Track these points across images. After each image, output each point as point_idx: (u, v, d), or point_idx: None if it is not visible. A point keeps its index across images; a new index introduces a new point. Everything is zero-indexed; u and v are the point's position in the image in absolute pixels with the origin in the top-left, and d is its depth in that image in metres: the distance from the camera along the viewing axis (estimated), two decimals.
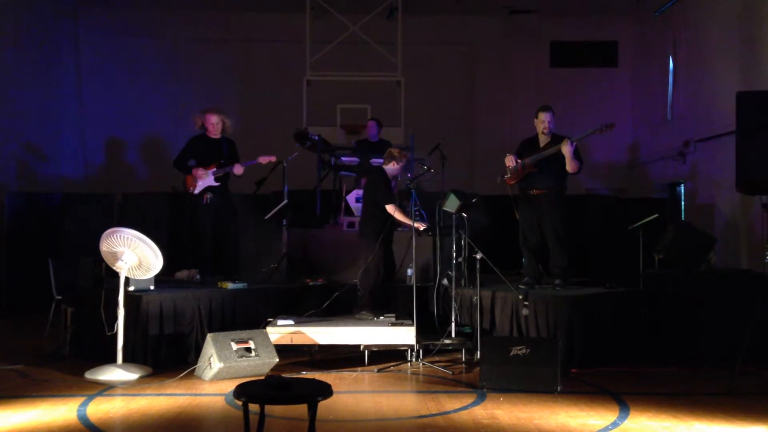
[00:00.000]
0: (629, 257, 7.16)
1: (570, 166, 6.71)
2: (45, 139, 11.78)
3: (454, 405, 4.98)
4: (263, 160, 7.58)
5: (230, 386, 4.94)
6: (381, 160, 7.37)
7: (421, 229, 6.79)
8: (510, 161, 6.96)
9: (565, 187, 6.96)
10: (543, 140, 6.93)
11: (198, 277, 7.31)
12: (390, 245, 6.90)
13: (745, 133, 5.46)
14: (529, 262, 7.06)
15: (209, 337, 5.77)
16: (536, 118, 6.95)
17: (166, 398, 5.16)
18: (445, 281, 7.00)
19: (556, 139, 6.81)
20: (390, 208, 6.68)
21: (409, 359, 6.32)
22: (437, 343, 6.35)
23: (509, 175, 6.99)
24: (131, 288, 6.14)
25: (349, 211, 8.36)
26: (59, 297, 6.76)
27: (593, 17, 12.96)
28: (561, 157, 6.70)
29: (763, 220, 5.44)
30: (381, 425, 4.58)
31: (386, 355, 6.39)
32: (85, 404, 4.95)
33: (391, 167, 6.84)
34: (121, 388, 5.46)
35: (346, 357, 6.43)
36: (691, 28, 11.01)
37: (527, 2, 12.40)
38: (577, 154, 6.73)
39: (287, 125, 9.24)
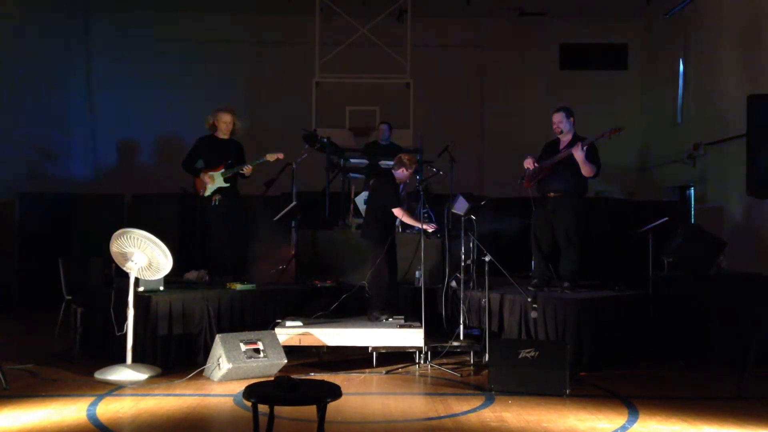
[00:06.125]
0: (638, 260, 7.13)
1: (584, 170, 6.69)
2: (56, 140, 11.85)
3: (463, 407, 4.97)
4: (270, 157, 7.56)
5: (239, 387, 4.97)
6: (390, 163, 7.37)
7: (430, 231, 6.80)
8: (528, 164, 6.96)
9: (582, 190, 6.92)
10: (562, 142, 6.94)
11: (207, 277, 7.33)
12: (393, 248, 6.89)
13: (756, 137, 5.44)
14: (538, 264, 7.05)
15: (218, 337, 5.79)
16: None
17: (175, 398, 5.17)
18: (453, 283, 6.99)
19: (576, 140, 6.79)
20: (397, 212, 6.69)
21: (417, 361, 6.32)
22: (445, 345, 6.34)
23: (527, 178, 7.00)
24: (141, 288, 6.17)
25: (357, 212, 8.37)
26: (69, 297, 6.80)
27: (603, 19, 12.92)
28: (576, 161, 6.68)
29: None
30: (389, 427, 4.58)
31: (394, 357, 6.39)
32: (94, 404, 4.98)
33: (401, 173, 6.85)
34: (131, 388, 5.48)
35: (355, 359, 6.43)
36: (701, 30, 10.97)
37: (537, 4, 12.39)
38: (592, 158, 6.69)
39: (296, 127, 9.25)
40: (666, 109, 12.27)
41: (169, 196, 10.21)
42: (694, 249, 7.10)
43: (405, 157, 6.93)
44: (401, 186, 7.10)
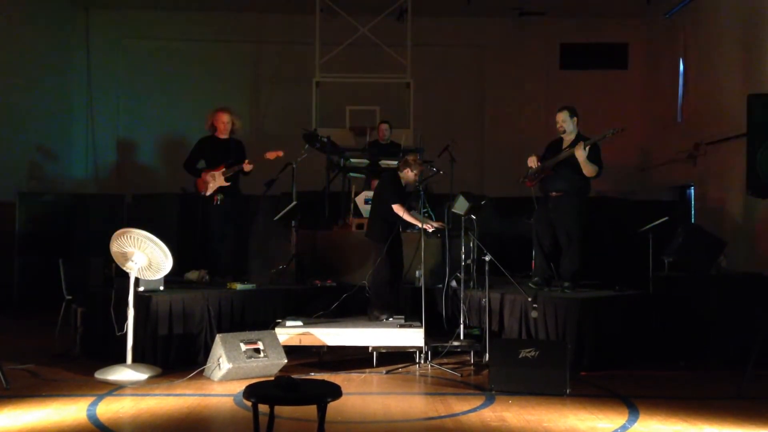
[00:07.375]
0: (639, 260, 7.13)
1: (585, 170, 6.69)
2: (56, 140, 11.85)
3: (463, 407, 4.97)
4: (270, 155, 7.58)
5: (239, 387, 4.97)
6: (390, 162, 7.35)
7: (431, 229, 6.80)
8: (532, 161, 6.96)
9: (584, 190, 6.91)
10: (566, 141, 6.93)
11: (207, 277, 7.33)
12: (399, 247, 6.90)
13: (756, 136, 5.44)
14: (540, 262, 7.05)
15: (218, 337, 5.79)
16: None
17: (176, 398, 5.17)
18: (453, 283, 7.00)
19: (579, 140, 6.78)
20: (397, 208, 6.69)
21: (417, 361, 6.32)
22: (446, 345, 6.34)
23: (529, 177, 6.99)
24: (141, 288, 6.17)
25: (357, 212, 8.37)
26: (69, 297, 6.79)
27: (603, 19, 12.90)
28: (578, 161, 6.68)
29: None
30: (389, 427, 4.58)
31: (395, 357, 6.39)
32: (94, 404, 4.98)
33: (406, 173, 6.84)
34: (131, 388, 5.48)
35: (355, 358, 6.43)
36: (701, 30, 10.96)
37: (537, 4, 12.38)
38: (594, 158, 6.69)
39: (297, 126, 9.25)
40: (666, 108, 12.26)
41: (169, 196, 10.21)
42: (694, 249, 7.11)
43: (410, 158, 6.91)
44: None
